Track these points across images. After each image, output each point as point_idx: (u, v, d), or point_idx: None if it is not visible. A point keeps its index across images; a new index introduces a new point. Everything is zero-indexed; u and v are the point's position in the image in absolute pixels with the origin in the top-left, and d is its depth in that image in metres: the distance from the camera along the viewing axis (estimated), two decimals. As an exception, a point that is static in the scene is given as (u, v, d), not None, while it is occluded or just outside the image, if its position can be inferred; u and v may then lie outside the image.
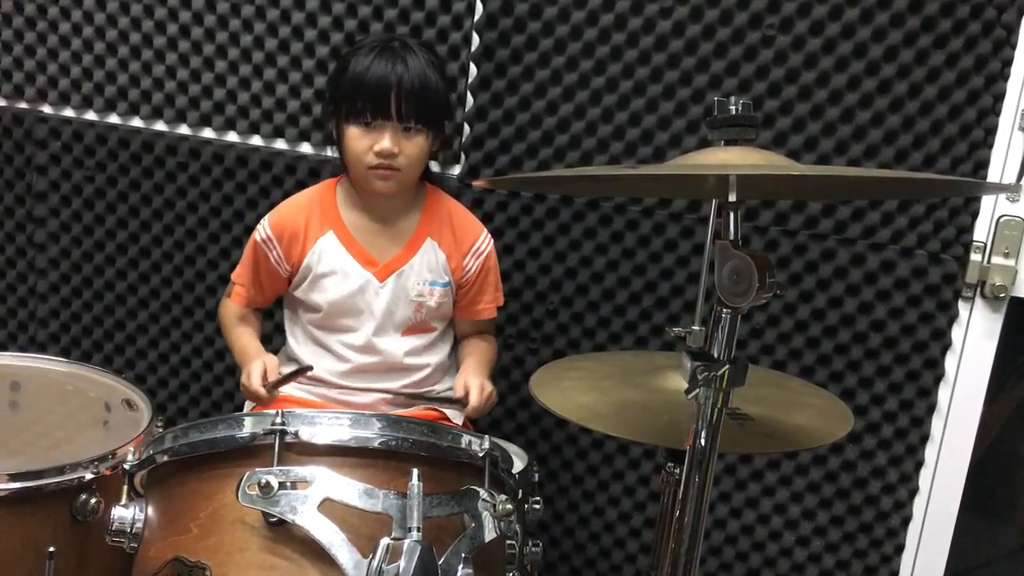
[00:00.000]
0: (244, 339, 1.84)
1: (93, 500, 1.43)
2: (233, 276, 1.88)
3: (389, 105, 1.69)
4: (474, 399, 1.70)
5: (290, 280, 1.82)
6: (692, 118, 1.95)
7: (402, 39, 1.80)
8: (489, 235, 1.88)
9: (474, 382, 1.72)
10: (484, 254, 1.86)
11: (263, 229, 1.80)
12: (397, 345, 1.81)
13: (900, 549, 2.05)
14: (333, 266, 1.78)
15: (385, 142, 1.69)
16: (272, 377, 1.70)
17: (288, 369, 1.77)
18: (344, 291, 1.78)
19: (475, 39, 2.01)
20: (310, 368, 1.75)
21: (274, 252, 1.79)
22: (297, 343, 1.85)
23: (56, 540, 1.40)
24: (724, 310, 1.13)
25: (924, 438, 2.00)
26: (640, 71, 1.95)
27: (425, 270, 1.80)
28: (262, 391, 1.67)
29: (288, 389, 1.81)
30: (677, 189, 1.63)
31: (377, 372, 1.81)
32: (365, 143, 1.71)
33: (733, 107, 1.17)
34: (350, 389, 1.81)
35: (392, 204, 1.80)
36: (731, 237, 1.13)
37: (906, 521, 2.04)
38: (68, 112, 2.24)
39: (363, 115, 1.70)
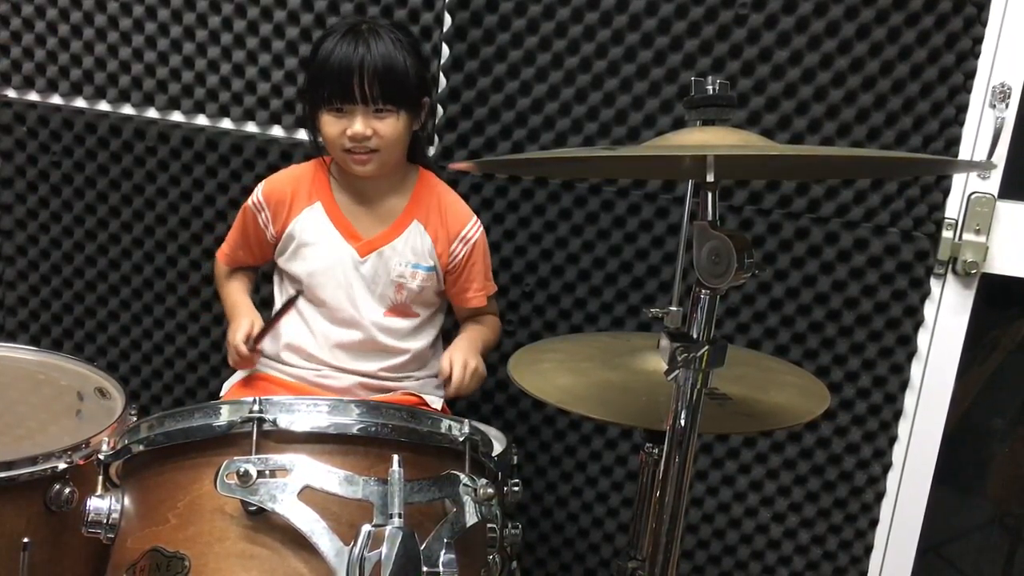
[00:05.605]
0: (235, 295, 1.88)
1: (67, 490, 1.41)
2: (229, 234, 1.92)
3: (353, 89, 1.67)
4: (456, 375, 1.70)
5: (275, 247, 1.83)
6: (666, 98, 1.94)
7: (371, 21, 1.78)
8: (480, 224, 1.86)
9: (458, 358, 1.72)
10: (472, 242, 1.83)
11: (256, 193, 1.82)
12: (378, 323, 1.79)
13: (874, 523, 2.08)
14: (316, 236, 1.79)
15: (356, 126, 1.69)
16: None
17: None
18: (324, 262, 1.78)
19: (447, 20, 1.99)
20: (296, 297, 1.79)
21: (263, 215, 1.81)
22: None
23: (30, 531, 1.38)
24: (703, 291, 1.14)
25: (897, 414, 2.02)
26: (613, 51, 1.94)
27: (409, 252, 1.79)
28: (243, 348, 1.73)
29: (264, 368, 1.82)
30: (654, 170, 1.63)
31: (357, 351, 1.80)
32: (338, 128, 1.71)
33: (711, 87, 1.17)
34: (328, 367, 1.80)
35: (379, 185, 1.80)
36: (709, 218, 1.13)
37: (880, 496, 2.06)
38: (33, 96, 2.20)
39: (332, 101, 1.70)
